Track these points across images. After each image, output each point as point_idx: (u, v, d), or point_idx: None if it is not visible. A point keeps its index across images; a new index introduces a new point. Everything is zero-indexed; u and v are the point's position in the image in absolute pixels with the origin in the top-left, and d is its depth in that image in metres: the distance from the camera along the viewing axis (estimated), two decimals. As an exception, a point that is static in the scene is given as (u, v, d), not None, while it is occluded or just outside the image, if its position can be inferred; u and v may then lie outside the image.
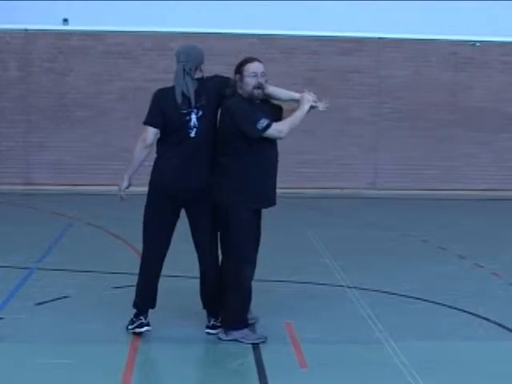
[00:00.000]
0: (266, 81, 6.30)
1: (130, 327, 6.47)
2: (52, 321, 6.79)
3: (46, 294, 7.56)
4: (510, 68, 16.69)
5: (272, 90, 6.40)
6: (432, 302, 7.62)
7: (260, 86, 6.24)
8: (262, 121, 6.14)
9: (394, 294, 7.91)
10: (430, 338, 6.58)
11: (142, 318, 6.43)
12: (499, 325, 6.91)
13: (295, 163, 15.70)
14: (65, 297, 7.53)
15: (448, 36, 16.25)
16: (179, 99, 6.20)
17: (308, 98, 6.38)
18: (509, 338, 6.66)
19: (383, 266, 9.25)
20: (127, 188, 6.46)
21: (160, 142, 6.38)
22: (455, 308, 7.41)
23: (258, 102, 6.31)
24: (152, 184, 6.38)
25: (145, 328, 6.42)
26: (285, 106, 6.53)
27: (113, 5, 15.50)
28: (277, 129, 6.20)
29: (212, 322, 6.52)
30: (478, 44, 16.48)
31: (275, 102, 6.49)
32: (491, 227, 12.46)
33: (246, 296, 6.39)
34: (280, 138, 6.27)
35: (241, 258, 6.26)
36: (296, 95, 6.46)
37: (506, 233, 11.91)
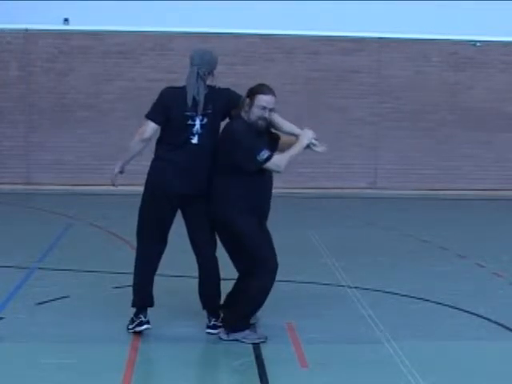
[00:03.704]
0: (272, 110, 6.23)
1: (130, 327, 6.46)
2: (52, 321, 6.78)
3: (46, 294, 7.56)
4: (510, 68, 16.68)
5: (276, 119, 6.34)
6: (433, 302, 7.61)
7: (264, 119, 6.22)
8: (263, 152, 6.11)
9: (394, 294, 7.91)
10: (431, 337, 6.57)
11: (141, 316, 6.42)
12: (500, 325, 6.91)
13: (296, 163, 15.50)
14: (65, 297, 7.53)
15: (448, 36, 16.25)
16: (190, 102, 6.19)
17: (308, 135, 6.32)
18: (510, 338, 6.65)
19: (384, 265, 9.25)
20: (120, 173, 6.46)
21: (159, 144, 6.38)
22: (456, 308, 7.40)
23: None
24: (149, 184, 6.37)
25: (145, 326, 6.41)
26: (283, 138, 6.49)
27: (113, 5, 15.50)
28: (276, 163, 6.16)
29: (213, 322, 6.51)
30: (478, 44, 16.47)
31: (274, 131, 6.45)
32: (492, 227, 12.45)
33: (260, 302, 6.36)
34: (277, 172, 6.23)
35: (260, 260, 6.22)
36: (298, 130, 6.42)
37: (506, 233, 11.91)
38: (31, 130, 16.04)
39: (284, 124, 6.40)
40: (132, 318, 6.48)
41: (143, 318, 6.42)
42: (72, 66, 16.03)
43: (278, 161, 6.18)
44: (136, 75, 16.01)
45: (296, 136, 6.37)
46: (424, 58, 16.51)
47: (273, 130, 6.46)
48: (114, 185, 6.52)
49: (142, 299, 6.48)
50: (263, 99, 6.17)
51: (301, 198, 14.95)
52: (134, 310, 6.49)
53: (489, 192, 16.17)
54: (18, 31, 15.84)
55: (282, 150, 6.43)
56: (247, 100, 6.21)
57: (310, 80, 16.14)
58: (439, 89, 16.54)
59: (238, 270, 6.44)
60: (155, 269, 6.51)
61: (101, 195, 14.60)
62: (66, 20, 15.82)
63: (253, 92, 6.21)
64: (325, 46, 16.33)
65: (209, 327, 6.53)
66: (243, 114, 6.23)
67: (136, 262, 6.52)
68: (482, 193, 16.12)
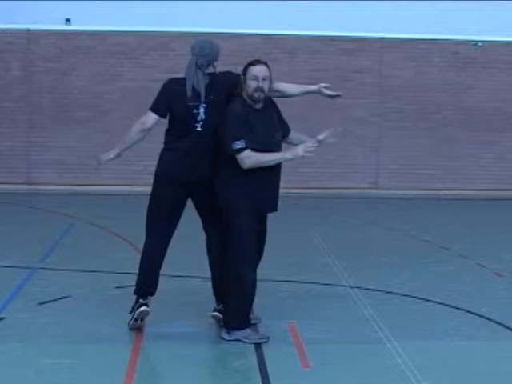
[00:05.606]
0: (265, 79, 6.25)
1: (129, 318, 6.43)
2: (54, 320, 6.78)
3: (48, 294, 7.56)
4: (512, 68, 16.68)
5: (281, 86, 6.41)
6: (434, 301, 7.61)
7: (260, 90, 6.23)
8: (238, 142, 6.12)
9: (396, 294, 7.90)
10: (432, 337, 6.57)
11: (140, 300, 6.42)
12: (501, 325, 6.90)
13: (297, 163, 15.57)
14: (66, 296, 7.53)
15: (450, 36, 16.23)
16: (189, 92, 6.21)
17: (298, 152, 6.39)
18: (510, 338, 6.65)
19: (385, 265, 9.24)
20: (111, 159, 6.52)
21: (167, 134, 6.43)
22: (457, 308, 7.40)
23: (265, 106, 6.29)
24: (157, 174, 6.41)
25: (142, 308, 6.38)
26: (294, 133, 6.67)
27: (115, 5, 15.50)
28: (242, 159, 6.14)
29: (220, 307, 6.52)
30: (480, 44, 16.46)
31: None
32: (493, 227, 12.45)
33: (247, 297, 6.36)
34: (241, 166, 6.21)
35: (240, 261, 6.24)
36: (311, 87, 6.50)
37: (508, 233, 11.90)
38: (32, 130, 16.04)
39: (291, 88, 6.52)
40: (132, 307, 6.46)
41: (142, 301, 6.41)
42: (73, 65, 16.03)
43: (246, 158, 6.15)
44: (137, 75, 16.00)
45: (312, 93, 6.70)
46: (426, 58, 16.49)
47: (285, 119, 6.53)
48: (98, 164, 6.55)
49: (145, 287, 6.44)
50: (253, 70, 6.22)
51: (302, 198, 14.94)
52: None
53: (491, 192, 16.16)
54: (19, 31, 15.84)
55: (292, 144, 6.56)
56: (242, 77, 6.27)
57: (311, 80, 15.88)
58: (441, 89, 16.52)
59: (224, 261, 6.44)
60: (161, 257, 6.49)
61: (102, 195, 14.61)
62: (67, 20, 15.82)
63: (245, 68, 6.29)
64: (326, 46, 16.32)
65: (216, 310, 6.56)
66: (243, 93, 6.27)
67: (143, 251, 6.51)
68: (483, 193, 16.10)
